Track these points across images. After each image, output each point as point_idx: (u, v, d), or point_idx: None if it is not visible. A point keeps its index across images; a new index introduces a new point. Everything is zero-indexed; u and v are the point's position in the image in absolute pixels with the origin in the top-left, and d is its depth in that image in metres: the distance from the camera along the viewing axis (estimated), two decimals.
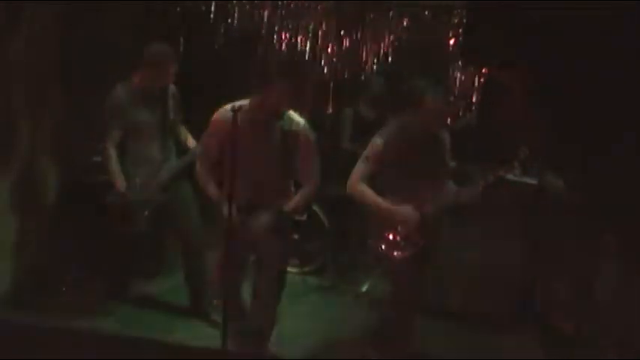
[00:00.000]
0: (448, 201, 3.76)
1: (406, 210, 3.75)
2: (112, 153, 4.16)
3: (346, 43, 6.36)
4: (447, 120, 4.00)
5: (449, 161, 4.01)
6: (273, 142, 3.43)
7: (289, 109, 3.45)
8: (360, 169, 3.79)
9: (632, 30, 3.60)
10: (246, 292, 3.86)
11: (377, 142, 3.79)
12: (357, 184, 3.78)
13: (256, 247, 3.63)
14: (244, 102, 3.47)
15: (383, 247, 3.84)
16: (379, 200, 3.77)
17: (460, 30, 5.97)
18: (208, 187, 3.57)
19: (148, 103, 4.18)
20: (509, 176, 3.87)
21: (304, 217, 5.38)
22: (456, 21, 6.06)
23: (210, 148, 3.55)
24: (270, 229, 3.45)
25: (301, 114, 3.61)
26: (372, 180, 3.84)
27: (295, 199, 3.59)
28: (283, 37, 6.35)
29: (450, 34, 6.11)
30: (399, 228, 3.78)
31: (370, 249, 3.91)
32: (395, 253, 3.82)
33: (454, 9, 6.03)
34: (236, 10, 6.29)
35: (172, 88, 4.31)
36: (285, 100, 3.35)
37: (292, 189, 3.71)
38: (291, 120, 3.50)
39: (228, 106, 3.45)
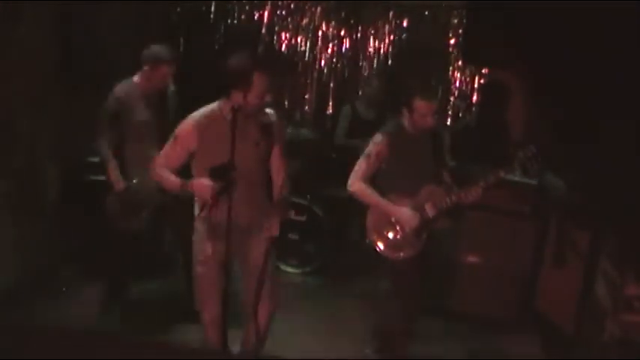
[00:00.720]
0: (448, 201, 3.76)
1: (406, 210, 3.76)
2: (109, 153, 4.16)
3: (346, 43, 6.37)
4: (439, 119, 3.99)
5: (449, 161, 4.01)
6: (255, 141, 3.33)
7: (270, 102, 3.38)
8: (361, 167, 3.80)
9: (633, 29, 3.60)
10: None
11: (378, 139, 3.80)
12: (358, 182, 3.79)
13: (243, 261, 3.51)
14: (211, 107, 3.36)
15: (382, 247, 3.84)
16: (380, 199, 3.78)
17: (460, 30, 5.97)
18: (168, 179, 3.36)
19: (147, 104, 4.18)
20: (509, 176, 3.88)
21: (304, 218, 5.39)
22: (455, 21, 6.06)
23: (174, 158, 3.36)
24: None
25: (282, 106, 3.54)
26: (373, 179, 3.84)
27: (282, 179, 3.48)
28: (283, 37, 6.36)
29: (450, 34, 6.12)
30: (398, 228, 3.79)
31: (370, 249, 3.91)
32: (394, 253, 3.82)
33: (454, 9, 6.03)
34: (236, 10, 6.29)
35: (171, 88, 4.31)
36: (266, 93, 3.23)
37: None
38: (265, 112, 3.41)
39: (194, 114, 3.34)
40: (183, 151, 3.32)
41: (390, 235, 3.81)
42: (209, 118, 3.29)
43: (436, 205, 3.77)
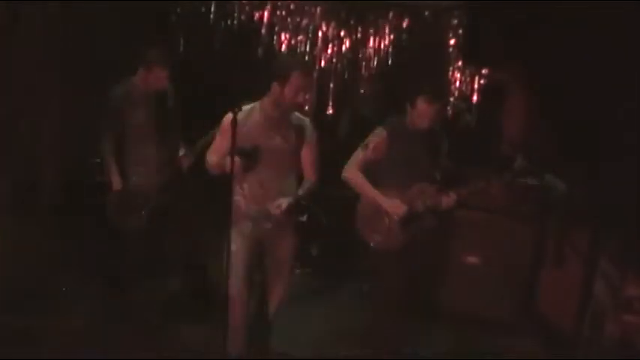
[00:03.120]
0: (437, 200, 3.79)
1: (395, 200, 3.79)
2: (110, 153, 4.16)
3: (346, 43, 6.36)
4: (439, 120, 4.02)
5: (446, 161, 4.02)
6: (286, 137, 3.60)
7: (302, 105, 3.72)
8: (358, 156, 3.87)
9: (632, 29, 3.60)
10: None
11: (380, 132, 3.86)
12: (352, 169, 3.86)
13: (270, 245, 3.75)
14: (254, 104, 3.63)
15: (369, 237, 3.88)
16: (370, 188, 3.84)
17: (460, 30, 5.97)
18: (219, 165, 3.63)
19: (146, 104, 4.19)
20: (502, 174, 3.88)
21: (304, 218, 5.38)
22: (455, 21, 6.05)
23: (222, 148, 3.61)
24: (289, 211, 3.59)
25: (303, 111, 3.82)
26: (367, 170, 3.87)
27: (305, 186, 3.72)
28: (283, 37, 6.35)
29: (450, 34, 6.11)
30: (387, 219, 3.81)
31: (367, 246, 3.95)
32: (380, 244, 3.85)
33: (454, 9, 6.03)
34: (236, 10, 6.29)
35: (171, 88, 4.31)
36: (299, 94, 3.52)
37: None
38: (297, 116, 3.68)
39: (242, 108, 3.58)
40: (227, 141, 3.49)
41: (378, 225, 3.84)
42: (250, 109, 3.61)
43: (425, 203, 3.81)
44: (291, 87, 3.50)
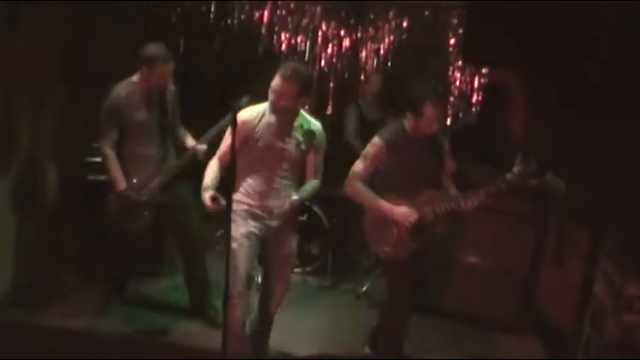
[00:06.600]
0: (447, 207, 3.75)
1: (402, 207, 3.75)
2: (111, 153, 4.16)
3: (346, 43, 6.36)
4: (444, 123, 4.02)
5: (448, 166, 4.00)
6: (297, 140, 3.61)
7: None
8: (358, 168, 3.82)
9: (633, 29, 3.60)
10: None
11: (376, 141, 3.81)
12: (354, 182, 3.81)
13: (271, 244, 3.75)
14: (264, 105, 3.61)
15: (377, 247, 3.85)
16: (375, 199, 3.78)
17: (460, 30, 5.96)
18: (207, 172, 3.64)
19: (147, 103, 4.18)
20: (509, 176, 3.86)
21: (304, 217, 5.39)
22: (455, 21, 6.05)
23: (229, 147, 3.56)
24: (292, 212, 3.64)
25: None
26: (371, 180, 3.85)
27: (307, 188, 3.72)
28: (283, 37, 6.35)
29: (450, 34, 6.11)
30: (395, 229, 3.77)
31: (369, 249, 3.92)
32: (388, 254, 3.82)
33: (454, 9, 6.03)
34: (236, 10, 6.29)
35: (172, 87, 4.31)
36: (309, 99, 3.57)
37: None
38: (307, 120, 3.66)
39: (251, 108, 3.62)
40: (237, 137, 3.41)
41: (387, 236, 3.80)
42: (262, 109, 3.61)
43: (434, 210, 3.76)
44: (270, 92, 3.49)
